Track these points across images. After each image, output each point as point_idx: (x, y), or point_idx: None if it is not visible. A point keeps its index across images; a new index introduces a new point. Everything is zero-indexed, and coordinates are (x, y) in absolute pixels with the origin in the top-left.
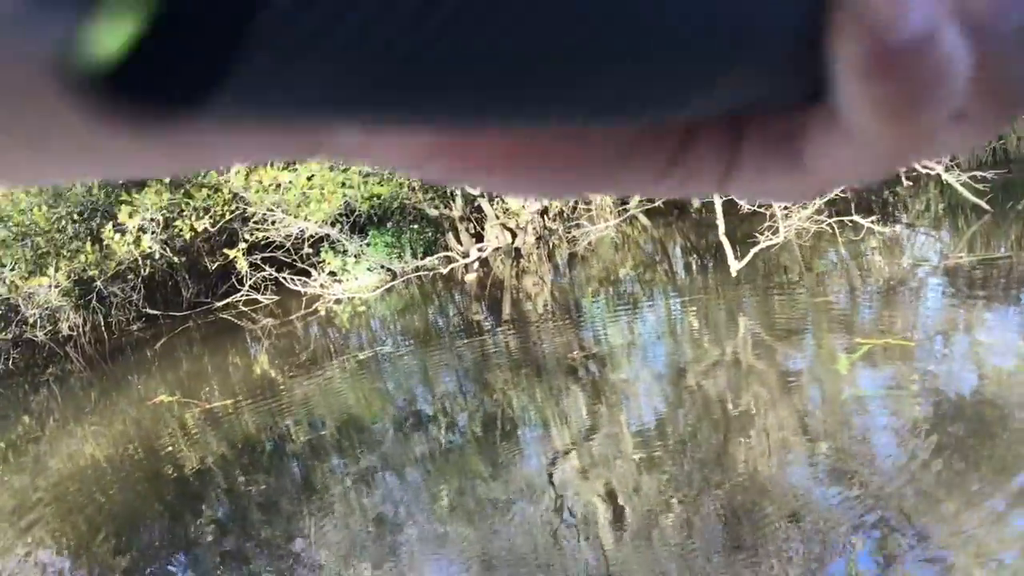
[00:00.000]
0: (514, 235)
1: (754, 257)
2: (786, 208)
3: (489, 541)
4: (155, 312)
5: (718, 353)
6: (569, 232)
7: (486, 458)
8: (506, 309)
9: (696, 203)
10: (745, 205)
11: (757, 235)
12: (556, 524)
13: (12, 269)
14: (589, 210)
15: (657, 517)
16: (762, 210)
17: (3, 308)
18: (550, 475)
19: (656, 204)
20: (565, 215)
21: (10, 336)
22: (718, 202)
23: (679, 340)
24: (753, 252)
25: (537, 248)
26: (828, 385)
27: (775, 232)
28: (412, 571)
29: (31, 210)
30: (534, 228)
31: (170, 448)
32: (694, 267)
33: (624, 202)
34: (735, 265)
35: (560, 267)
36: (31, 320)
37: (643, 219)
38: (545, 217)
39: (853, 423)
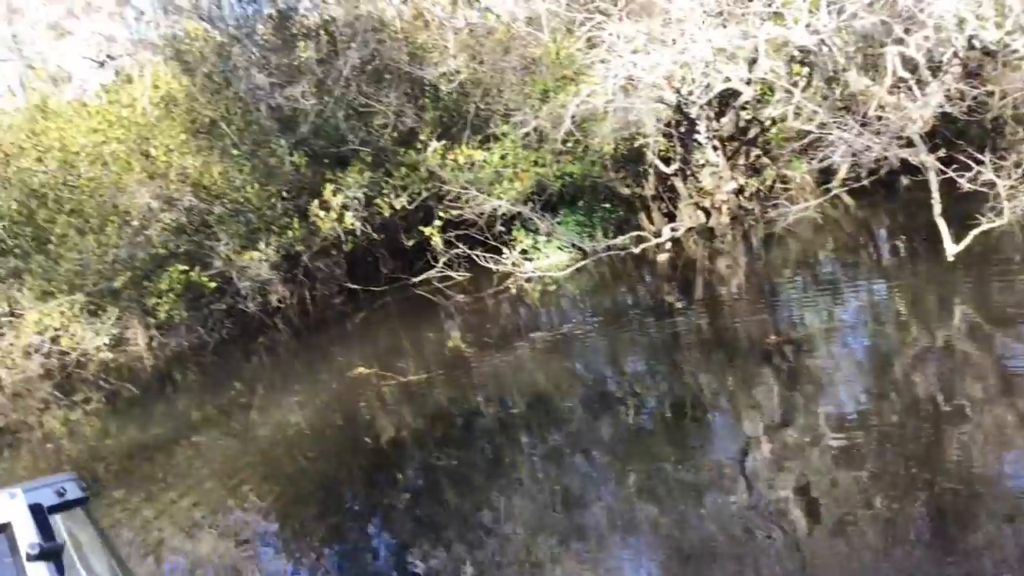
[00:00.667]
0: (708, 214)
1: (972, 240)
2: (1013, 187)
3: (679, 528)
4: (355, 287)
5: (928, 341)
6: (766, 212)
7: (676, 442)
8: (698, 290)
9: (906, 181)
10: (964, 184)
11: (978, 216)
12: (748, 514)
13: (227, 244)
14: (788, 189)
15: (857, 514)
16: (984, 189)
17: (219, 280)
18: (742, 463)
19: (861, 183)
20: (762, 194)
21: (225, 307)
22: (934, 180)
23: (884, 326)
24: (973, 234)
25: (732, 228)
26: None
27: (998, 213)
28: (600, 552)
29: (245, 187)
30: (729, 208)
31: (368, 418)
32: (902, 250)
33: (826, 181)
34: (951, 248)
35: (756, 248)
36: (244, 292)
37: (847, 198)
38: (741, 196)
39: None
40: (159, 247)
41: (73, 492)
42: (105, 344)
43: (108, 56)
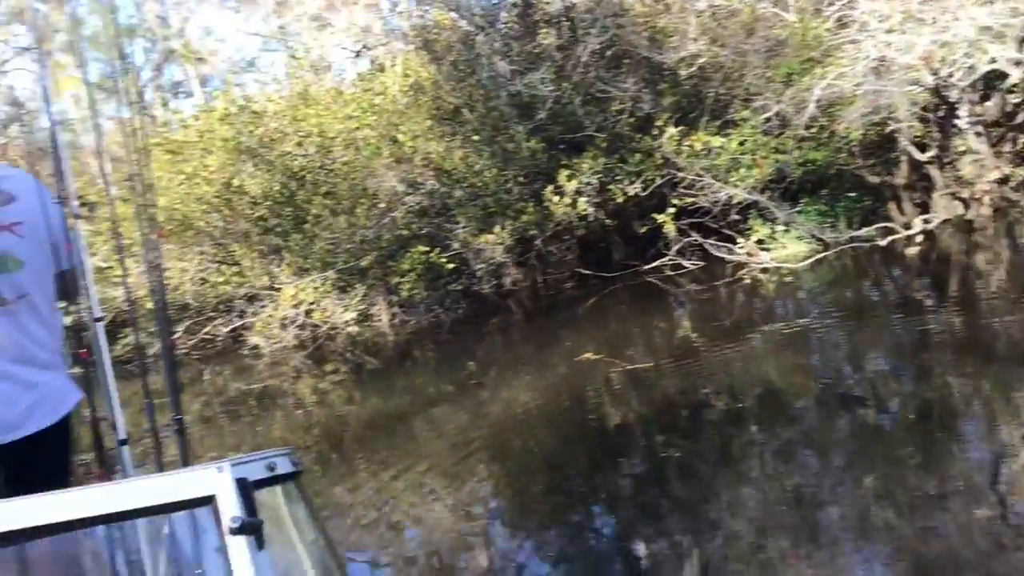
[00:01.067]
0: (966, 206)
1: None
2: None
3: (919, 537)
4: (587, 272)
5: None
6: None
7: (920, 447)
8: (953, 287)
9: None
10: None
11: None
12: (998, 528)
13: (465, 227)
14: None
15: None
16: None
17: (457, 262)
18: (995, 473)
19: None
20: None
21: (461, 288)
22: None
23: None
24: None
25: (994, 221)
26: None
27: None
28: (833, 556)
29: (483, 172)
30: (991, 199)
31: (595, 403)
32: None
33: None
34: None
35: (1021, 243)
36: (478, 274)
37: None
38: (1006, 187)
39: None
40: (403, 228)
41: (284, 467)
42: (352, 319)
43: (364, 46)
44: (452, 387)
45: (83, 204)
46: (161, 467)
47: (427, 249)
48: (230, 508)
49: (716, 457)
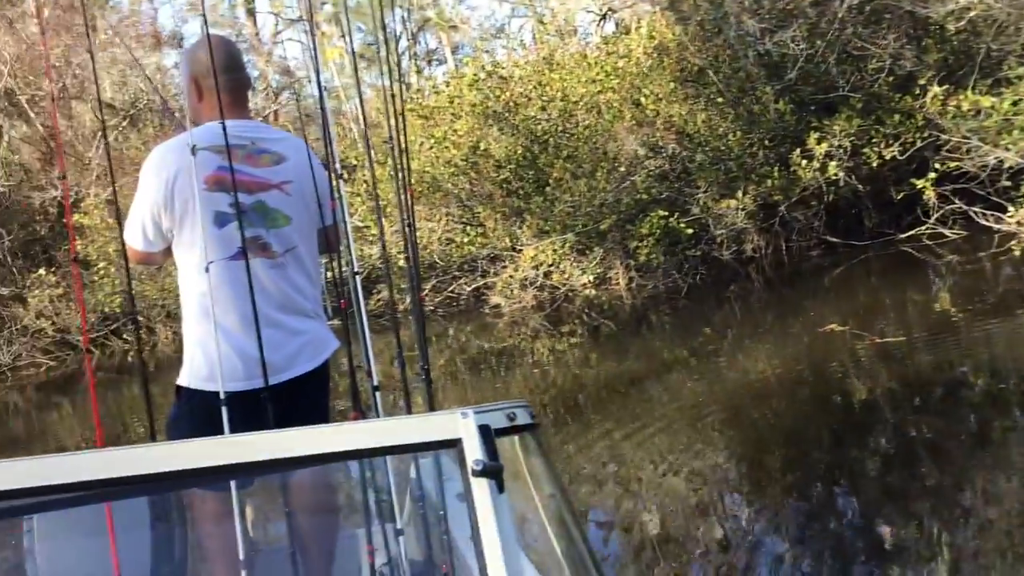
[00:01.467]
0: None
1: None
2: None
3: None
4: (835, 240)
5: None
6: None
7: None
8: None
9: None
10: None
11: None
12: None
13: (705, 191)
14: None
15: None
16: None
17: (696, 227)
18: None
19: None
20: None
21: (699, 253)
22: None
23: None
24: None
25: None
26: None
27: None
28: None
29: (727, 135)
30: None
31: (839, 376)
32: None
33: None
34: None
35: None
36: (718, 239)
37: None
38: None
39: None
40: (642, 193)
41: (523, 418)
42: (590, 282)
43: (609, 9)
44: (688, 353)
45: (344, 167)
46: (410, 412)
47: (666, 214)
48: (473, 451)
49: (972, 441)
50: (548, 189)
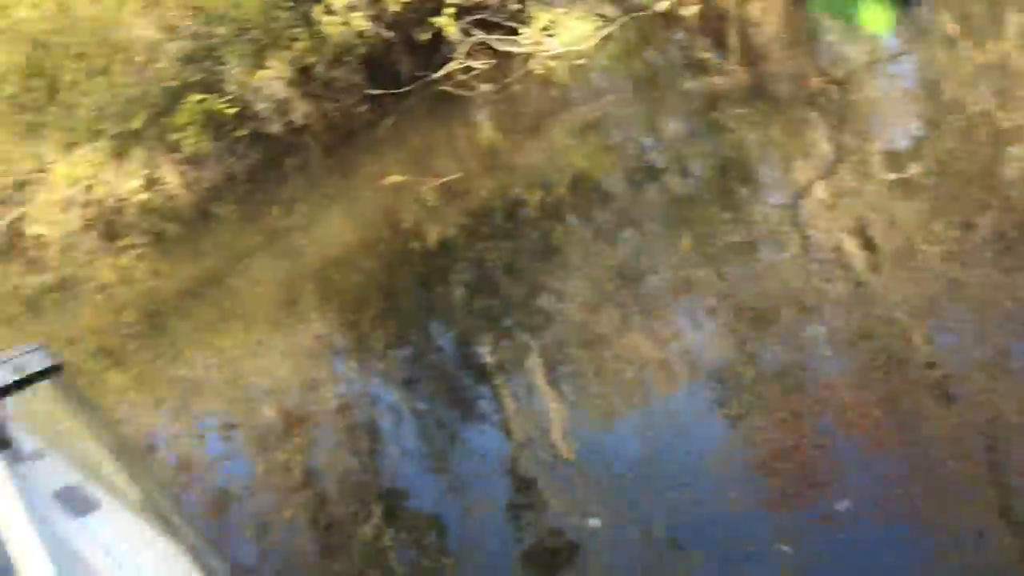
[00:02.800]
0: None
1: None
2: None
3: (736, 285)
4: (377, 92)
5: (982, 58)
6: None
7: (725, 202)
8: (732, 41)
9: None
10: None
11: None
12: (805, 261)
13: (237, 65)
14: None
15: (919, 245)
16: None
17: (239, 106)
18: (795, 212)
19: None
20: None
21: (248, 132)
22: None
23: (933, 49)
24: None
25: None
26: None
27: None
28: (659, 318)
29: (244, 2)
30: None
31: (412, 223)
32: None
33: None
34: None
35: None
36: (264, 114)
37: None
38: None
39: None
40: (171, 79)
41: (36, 365)
42: (139, 186)
43: None
44: (262, 237)
45: None
46: None
47: (202, 97)
48: None
49: (539, 250)
50: (63, 95)
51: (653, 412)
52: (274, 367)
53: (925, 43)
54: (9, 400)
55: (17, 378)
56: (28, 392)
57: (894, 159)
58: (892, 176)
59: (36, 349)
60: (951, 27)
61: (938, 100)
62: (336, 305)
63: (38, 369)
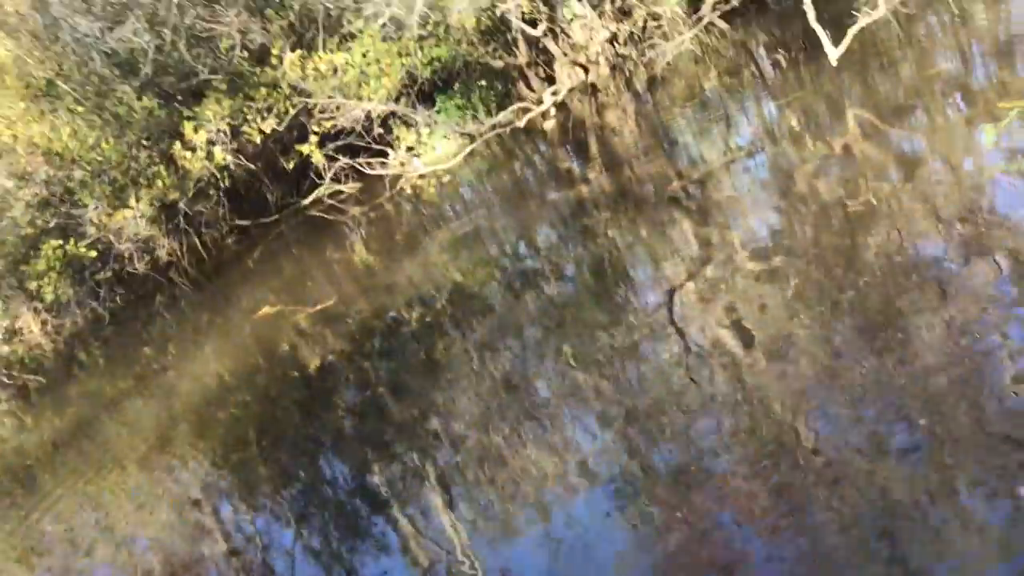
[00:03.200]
0: (587, 71)
1: (852, 40)
2: None
3: (623, 390)
4: (245, 222)
5: (827, 150)
6: (644, 55)
7: (603, 305)
8: (593, 149)
9: None
10: None
11: (854, 13)
12: (687, 360)
13: (96, 208)
14: (660, 26)
15: (791, 333)
16: None
17: (98, 247)
18: (670, 311)
19: (731, 4)
20: (636, 37)
21: (111, 274)
22: None
23: (781, 144)
24: (852, 33)
25: (613, 79)
26: (962, 160)
27: (874, 6)
28: (550, 429)
29: (100, 145)
30: (606, 59)
31: (290, 352)
32: (785, 64)
33: (696, 9)
34: (833, 52)
35: (641, 94)
36: (126, 254)
37: (720, 24)
38: (615, 44)
39: (995, 198)
40: (26, 227)
41: None
42: None
43: None
44: (132, 379)
45: None
46: None
47: (61, 242)
48: None
49: (424, 368)
50: None
51: (554, 524)
52: (155, 515)
53: (774, 139)
54: None
55: None
56: None
57: (758, 251)
58: (758, 268)
59: None
60: (796, 122)
61: (792, 192)
62: (216, 443)
63: None
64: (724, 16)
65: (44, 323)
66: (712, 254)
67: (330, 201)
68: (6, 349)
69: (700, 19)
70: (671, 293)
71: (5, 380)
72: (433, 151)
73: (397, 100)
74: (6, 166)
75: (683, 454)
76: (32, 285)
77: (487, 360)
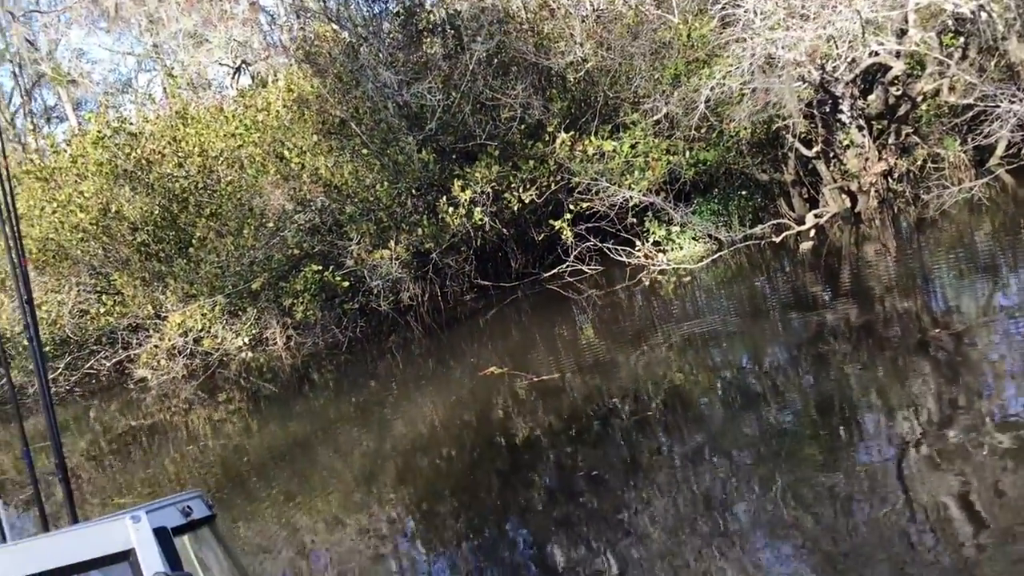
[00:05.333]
0: (854, 199)
1: None
2: None
3: (827, 533)
4: (486, 283)
5: None
6: (918, 195)
7: (824, 444)
8: (845, 279)
9: None
10: None
11: None
12: (903, 521)
13: (358, 243)
14: (940, 169)
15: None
16: None
17: (351, 280)
18: (897, 466)
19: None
20: (913, 176)
21: (357, 306)
22: None
23: None
24: None
25: (880, 213)
26: None
27: None
28: (744, 555)
29: (375, 186)
30: (877, 191)
31: (501, 417)
32: None
33: (981, 160)
34: None
35: (906, 233)
36: (375, 291)
37: (1006, 177)
38: (890, 179)
39: None
40: (294, 248)
41: (200, 511)
42: (245, 344)
43: (243, 62)
44: (353, 409)
45: None
46: (44, 518)
47: (320, 268)
48: (152, 562)
49: (626, 465)
50: (192, 250)
51: None
52: (345, 542)
53: None
54: (181, 539)
55: (183, 521)
56: (190, 534)
57: (1008, 426)
58: (1005, 444)
59: (197, 496)
60: None
61: None
62: (415, 488)
63: (200, 515)
64: (1012, 171)
65: (289, 339)
66: (956, 417)
67: (569, 279)
68: (250, 355)
69: (989, 171)
70: (902, 449)
71: (243, 382)
72: (680, 250)
73: (656, 194)
74: (290, 190)
75: None
76: (287, 302)
77: (691, 472)
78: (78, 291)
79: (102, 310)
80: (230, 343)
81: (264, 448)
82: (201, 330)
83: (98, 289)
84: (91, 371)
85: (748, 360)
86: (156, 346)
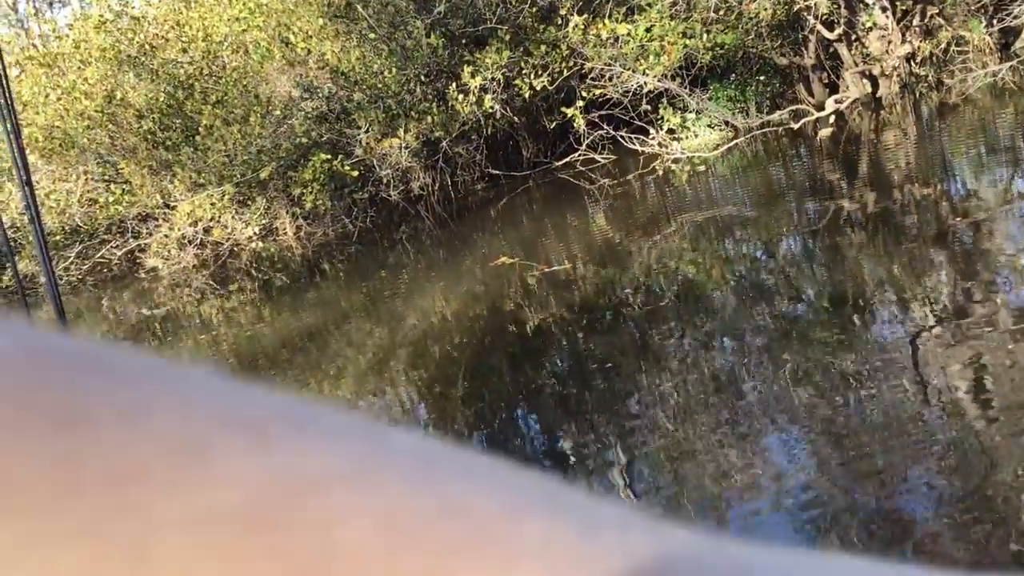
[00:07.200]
0: (875, 84)
1: None
2: None
3: (837, 412)
4: (497, 172)
5: None
6: (940, 80)
7: (836, 329)
8: (863, 168)
9: None
10: None
11: None
12: (913, 401)
13: (367, 131)
14: (964, 52)
15: None
16: None
17: (361, 169)
18: (909, 350)
19: None
20: (936, 59)
21: (367, 196)
22: None
23: None
24: None
25: (901, 98)
26: None
27: None
28: (752, 435)
29: (383, 72)
30: (899, 75)
31: (512, 306)
32: None
33: (1006, 44)
34: None
35: (928, 119)
36: (385, 180)
37: None
38: (912, 63)
39: None
40: (302, 136)
41: None
42: (255, 234)
43: None
44: (364, 299)
45: None
46: None
47: (329, 157)
48: None
49: (637, 351)
50: (199, 138)
51: (726, 525)
52: None
53: None
54: None
55: None
56: None
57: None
58: (1020, 333)
59: None
60: None
61: None
62: (426, 376)
63: None
64: None
65: (299, 228)
66: (971, 307)
67: (581, 168)
68: (260, 245)
69: (1015, 54)
70: (915, 334)
71: (254, 272)
72: (695, 138)
73: (672, 80)
74: (296, 76)
75: (886, 501)
76: (296, 191)
77: (701, 356)
78: (86, 179)
79: (111, 199)
80: (240, 233)
81: (277, 337)
82: (211, 220)
83: (106, 178)
84: (102, 260)
85: (762, 249)
86: (166, 236)
